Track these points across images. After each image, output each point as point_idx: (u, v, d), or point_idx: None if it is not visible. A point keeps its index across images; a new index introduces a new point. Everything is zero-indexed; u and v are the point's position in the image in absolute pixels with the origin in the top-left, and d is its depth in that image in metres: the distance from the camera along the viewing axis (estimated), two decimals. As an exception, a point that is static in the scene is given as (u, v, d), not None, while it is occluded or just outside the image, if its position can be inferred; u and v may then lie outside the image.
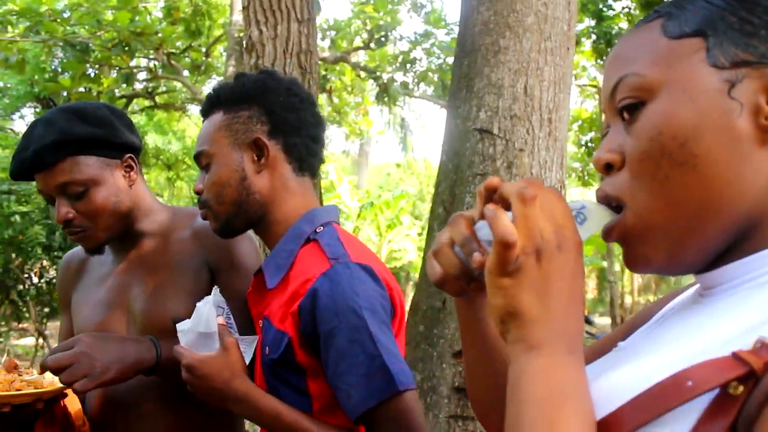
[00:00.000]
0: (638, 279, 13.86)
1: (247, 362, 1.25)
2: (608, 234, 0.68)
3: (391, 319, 1.21)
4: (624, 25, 9.44)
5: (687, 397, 0.52)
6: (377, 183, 17.64)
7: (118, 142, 1.48)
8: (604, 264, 15.32)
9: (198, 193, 1.35)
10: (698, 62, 0.63)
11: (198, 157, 1.35)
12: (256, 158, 1.31)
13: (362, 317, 1.13)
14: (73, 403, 1.44)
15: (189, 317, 1.27)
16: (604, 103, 0.71)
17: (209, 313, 1.25)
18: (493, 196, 0.67)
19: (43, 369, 1.34)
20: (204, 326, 1.25)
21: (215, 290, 1.30)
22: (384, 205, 11.91)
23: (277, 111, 1.32)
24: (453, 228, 0.69)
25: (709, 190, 0.61)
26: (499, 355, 0.81)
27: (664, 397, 0.54)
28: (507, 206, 0.63)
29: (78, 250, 1.64)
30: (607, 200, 0.68)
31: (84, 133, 1.45)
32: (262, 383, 1.28)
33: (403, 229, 12.98)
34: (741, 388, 0.51)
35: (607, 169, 0.68)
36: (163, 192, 13.44)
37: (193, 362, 1.20)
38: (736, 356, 0.52)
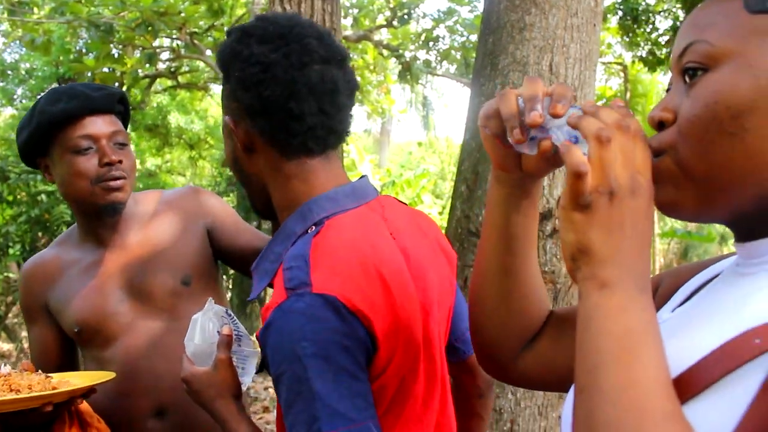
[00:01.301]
0: (660, 259, 13.74)
1: (249, 377, 1.22)
2: None
3: (368, 354, 0.99)
4: (651, 0, 9.26)
5: (756, 353, 0.55)
6: (399, 162, 17.58)
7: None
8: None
9: None
10: None
11: None
12: (237, 139, 1.13)
13: (306, 368, 0.93)
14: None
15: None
16: (672, 63, 0.72)
17: (205, 324, 1.23)
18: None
19: None
20: (199, 338, 1.23)
21: (209, 302, 1.27)
22: (405, 184, 11.87)
23: (237, 88, 1.09)
24: (528, 86, 0.71)
25: (751, 162, 0.64)
26: (515, 248, 0.85)
27: (734, 353, 0.56)
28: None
29: (39, 257, 1.70)
30: (653, 152, 0.69)
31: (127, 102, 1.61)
32: None
33: (424, 208, 12.95)
34: None
35: (660, 126, 0.70)
36: (185, 171, 13.52)
37: (186, 376, 1.18)
38: None
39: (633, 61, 10.42)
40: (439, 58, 10.35)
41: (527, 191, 0.84)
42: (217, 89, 11.31)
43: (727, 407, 0.56)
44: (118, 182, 1.53)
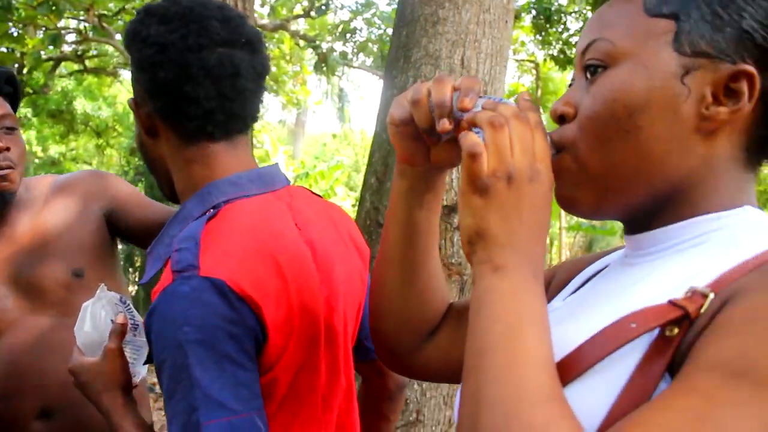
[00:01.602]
0: (566, 252, 14.22)
1: (143, 368, 1.16)
2: None
3: (257, 343, 0.94)
4: (563, 1, 9.53)
5: (631, 337, 0.58)
6: (313, 153, 17.51)
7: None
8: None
9: None
10: (664, 43, 0.67)
11: None
12: (141, 122, 1.10)
13: (187, 354, 0.88)
14: None
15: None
16: (576, 58, 0.75)
17: (96, 312, 1.17)
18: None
19: None
20: (90, 326, 1.16)
21: (101, 288, 1.21)
22: (319, 176, 11.80)
23: (137, 70, 1.07)
24: (438, 86, 0.73)
25: (644, 160, 0.68)
26: (417, 241, 0.86)
27: (612, 337, 0.59)
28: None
29: None
30: (552, 146, 0.72)
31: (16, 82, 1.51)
32: None
33: (337, 200, 12.93)
34: (676, 330, 0.57)
35: (561, 120, 0.73)
36: (91, 160, 13.03)
37: (73, 366, 1.12)
38: (671, 302, 0.58)
39: (545, 59, 10.72)
40: (355, 51, 10.33)
41: (431, 185, 0.85)
42: (127, 75, 10.95)
43: (605, 388, 0.58)
44: (4, 171, 1.43)
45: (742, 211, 0.68)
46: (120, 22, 9.25)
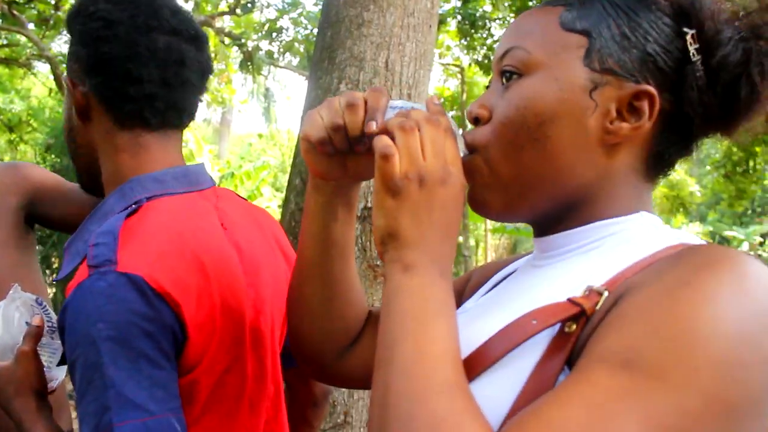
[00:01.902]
0: (492, 253, 14.50)
1: (61, 372, 1.10)
2: None
3: (176, 342, 0.91)
4: (488, 8, 9.71)
5: (532, 332, 0.62)
6: (239, 153, 17.26)
7: None
8: (460, 239, 15.89)
9: None
10: (576, 58, 0.71)
11: None
12: (75, 104, 1.06)
13: (100, 352, 0.84)
14: None
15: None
16: (494, 63, 0.78)
17: (9, 314, 1.11)
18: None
19: None
20: (2, 329, 1.10)
21: (15, 288, 1.14)
22: (245, 176, 11.66)
23: (77, 44, 1.04)
24: (374, 93, 0.75)
25: (550, 168, 0.71)
26: (334, 255, 0.88)
27: (515, 332, 0.63)
28: None
29: None
30: (466, 147, 0.75)
31: None
32: None
33: (263, 201, 12.81)
34: (574, 327, 0.60)
35: (476, 121, 0.76)
36: (3, 156, 12.47)
37: None
38: (570, 300, 0.62)
39: (470, 64, 10.91)
40: (282, 50, 10.25)
41: (346, 198, 0.87)
42: (42, 67, 10.52)
43: (510, 382, 0.61)
44: None
45: (638, 216, 0.73)
46: (33, 11, 8.90)
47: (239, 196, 1.22)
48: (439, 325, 0.62)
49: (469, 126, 0.78)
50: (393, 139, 0.68)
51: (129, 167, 1.04)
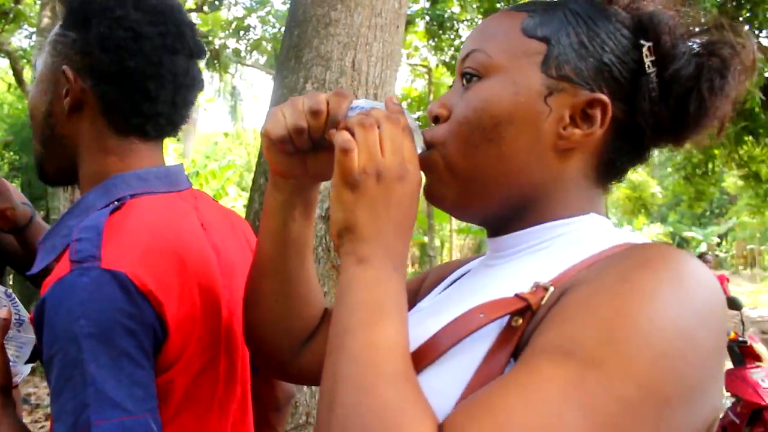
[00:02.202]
0: (457, 254, 14.58)
1: (26, 367, 1.09)
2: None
3: (156, 340, 0.90)
4: (456, 9, 9.77)
5: (479, 325, 0.63)
6: (204, 152, 17.08)
7: None
8: (425, 239, 15.96)
9: None
10: (534, 64, 0.73)
11: None
12: (64, 93, 1.03)
13: (81, 349, 0.83)
14: None
15: None
16: (457, 64, 0.80)
17: None
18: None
19: None
20: None
21: None
22: (210, 175, 11.55)
23: (93, 44, 1.01)
24: (337, 97, 0.77)
25: (503, 167, 0.74)
26: (291, 253, 0.89)
27: (462, 326, 0.65)
28: None
29: None
30: (425, 144, 0.77)
31: None
32: None
33: (229, 200, 12.72)
34: (520, 321, 0.63)
35: (435, 120, 0.78)
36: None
37: None
38: (517, 295, 0.64)
39: (437, 65, 10.96)
40: (249, 48, 10.20)
41: (305, 197, 0.88)
42: (0, 63, 10.29)
43: (458, 373, 0.63)
44: None
45: (588, 218, 0.75)
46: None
47: (213, 199, 1.22)
48: (391, 317, 0.64)
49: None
50: (353, 134, 0.70)
51: (115, 168, 1.04)
